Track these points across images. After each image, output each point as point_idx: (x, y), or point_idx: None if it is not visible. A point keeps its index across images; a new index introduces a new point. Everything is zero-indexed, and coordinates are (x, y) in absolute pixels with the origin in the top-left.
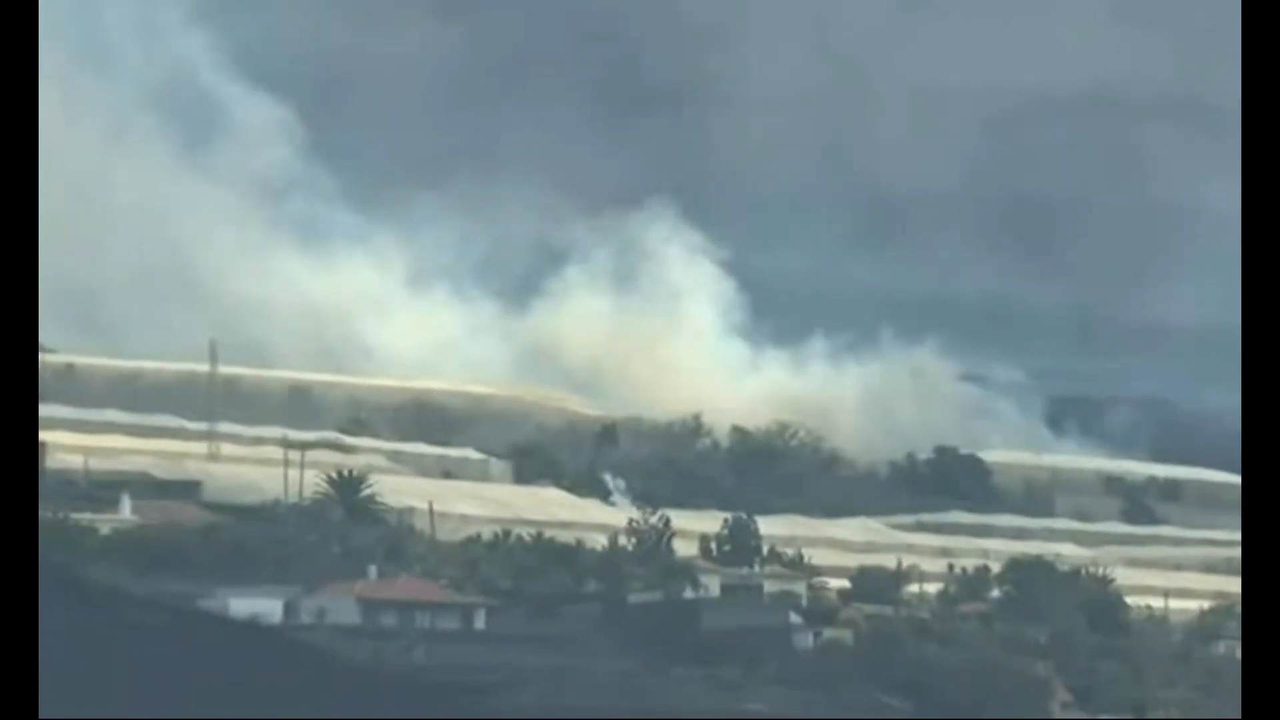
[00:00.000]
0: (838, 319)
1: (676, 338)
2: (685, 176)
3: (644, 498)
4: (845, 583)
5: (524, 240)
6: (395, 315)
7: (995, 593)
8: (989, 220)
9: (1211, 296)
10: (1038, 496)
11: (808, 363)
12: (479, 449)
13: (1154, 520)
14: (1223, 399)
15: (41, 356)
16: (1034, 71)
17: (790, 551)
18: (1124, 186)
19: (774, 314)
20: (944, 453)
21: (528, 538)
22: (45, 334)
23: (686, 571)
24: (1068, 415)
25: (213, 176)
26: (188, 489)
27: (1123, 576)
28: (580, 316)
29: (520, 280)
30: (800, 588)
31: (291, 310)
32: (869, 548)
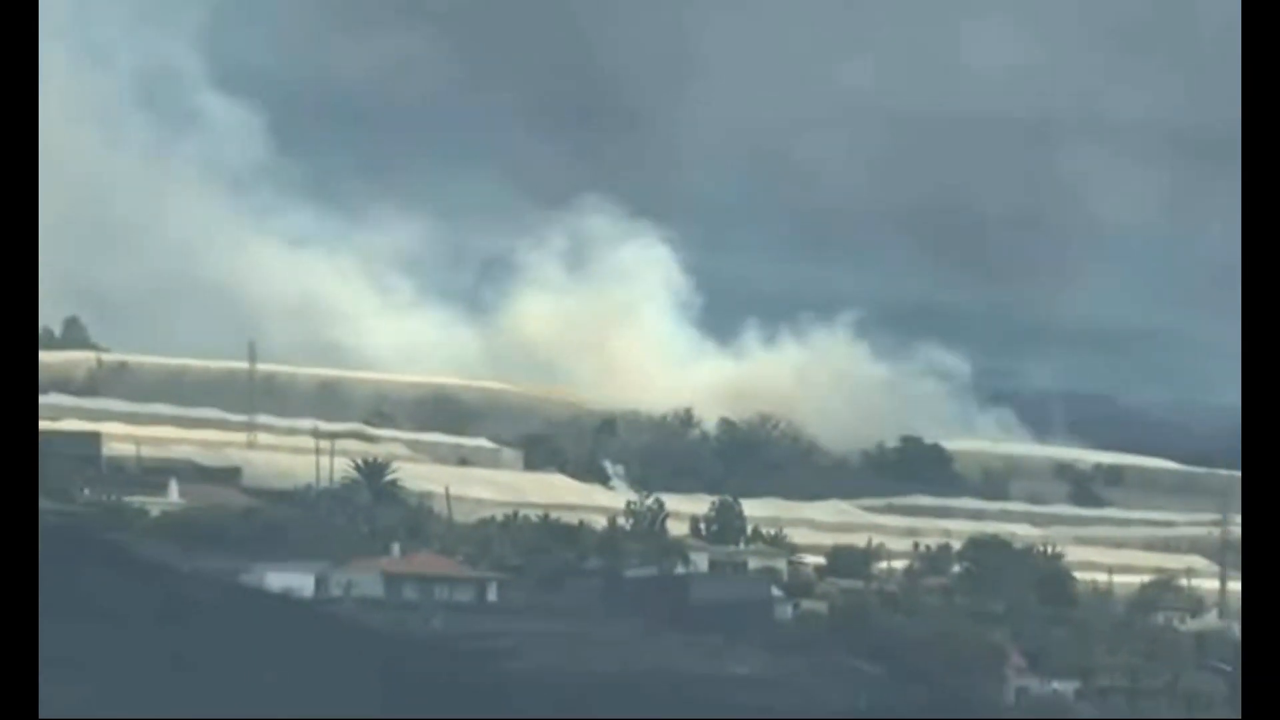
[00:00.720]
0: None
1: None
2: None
3: (640, 483)
4: (821, 559)
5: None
6: (412, 311)
7: (956, 568)
8: (937, 233)
9: (1143, 304)
10: (994, 481)
11: (777, 358)
12: (491, 439)
13: (1099, 503)
14: (1156, 394)
15: (97, 355)
16: (962, 94)
17: (771, 531)
18: (1058, 204)
19: (740, 314)
20: (909, 442)
21: (535, 518)
22: (97, 334)
23: (678, 549)
24: (1020, 408)
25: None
26: (229, 475)
27: (1071, 553)
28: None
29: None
30: (780, 564)
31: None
32: (842, 528)
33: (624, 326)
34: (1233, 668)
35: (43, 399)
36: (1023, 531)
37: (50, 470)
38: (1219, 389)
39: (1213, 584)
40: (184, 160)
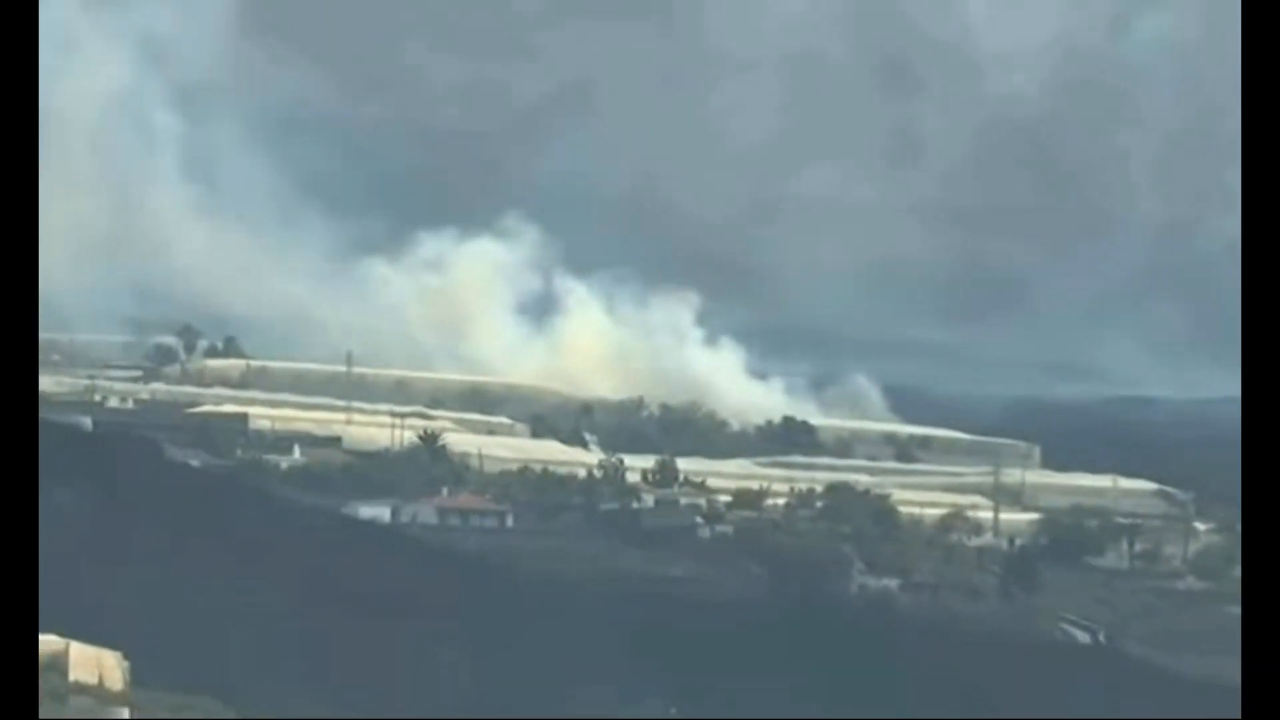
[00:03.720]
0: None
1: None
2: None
3: (608, 447)
4: (729, 498)
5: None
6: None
7: (819, 504)
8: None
9: (942, 324)
10: (844, 445)
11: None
12: (509, 417)
13: (913, 460)
14: (952, 387)
15: (246, 362)
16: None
17: (696, 479)
18: (867, 244)
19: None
20: (788, 420)
21: (538, 471)
22: (247, 347)
23: (633, 491)
24: (861, 396)
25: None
26: (333, 441)
27: (895, 495)
28: None
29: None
30: (702, 501)
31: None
32: (743, 477)
33: (478, 315)
34: (1001, 569)
35: (209, 391)
36: (863, 480)
37: (215, 439)
38: (992, 383)
39: (989, 515)
40: (286, 209)
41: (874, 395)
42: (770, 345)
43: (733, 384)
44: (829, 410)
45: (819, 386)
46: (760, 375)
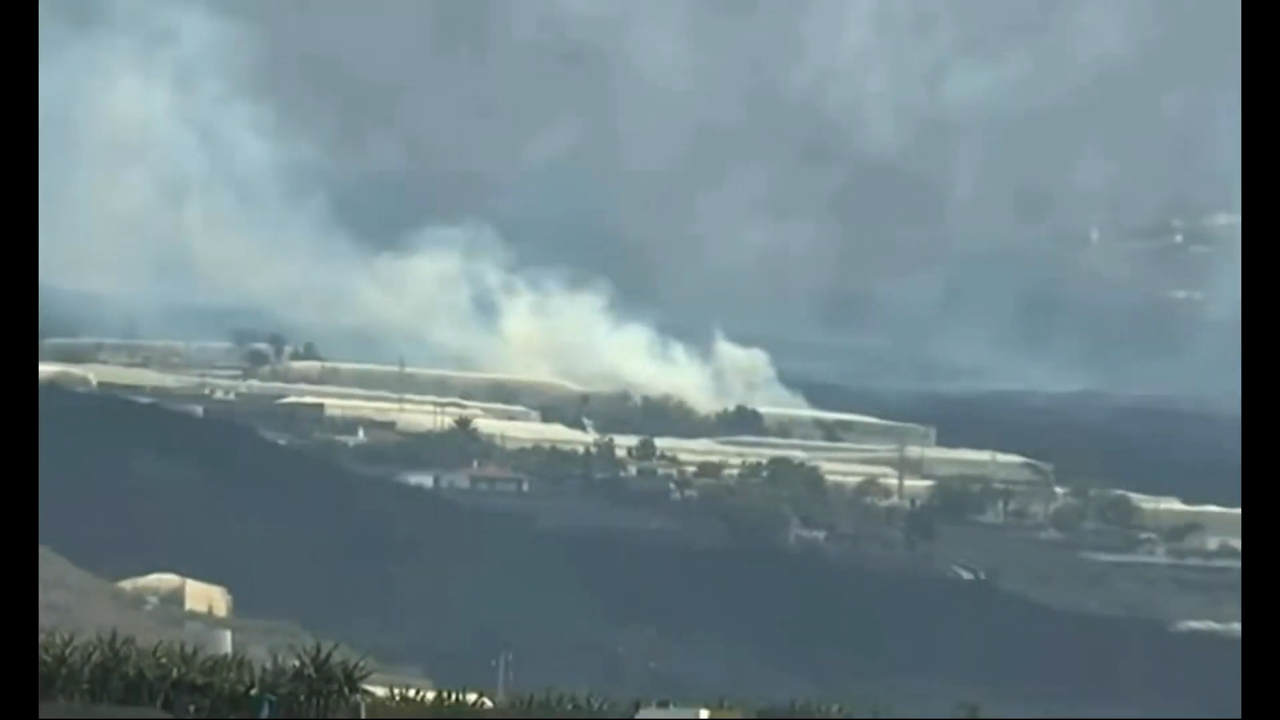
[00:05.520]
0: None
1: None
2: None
3: (602, 429)
4: (694, 469)
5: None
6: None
7: (764, 474)
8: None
9: (856, 333)
10: (784, 428)
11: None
12: (524, 406)
13: (837, 439)
14: (868, 384)
15: (322, 363)
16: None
17: (670, 454)
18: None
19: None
20: (741, 409)
21: (547, 448)
22: (323, 351)
23: (621, 464)
24: (793, 390)
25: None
26: (388, 425)
27: (823, 466)
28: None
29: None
30: (674, 472)
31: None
32: (705, 453)
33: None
34: (905, 524)
35: (291, 387)
36: (798, 455)
37: (298, 423)
38: (900, 378)
39: (895, 482)
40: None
41: (761, 370)
42: (671, 335)
43: (643, 365)
44: (721, 382)
45: (709, 365)
46: (665, 358)
